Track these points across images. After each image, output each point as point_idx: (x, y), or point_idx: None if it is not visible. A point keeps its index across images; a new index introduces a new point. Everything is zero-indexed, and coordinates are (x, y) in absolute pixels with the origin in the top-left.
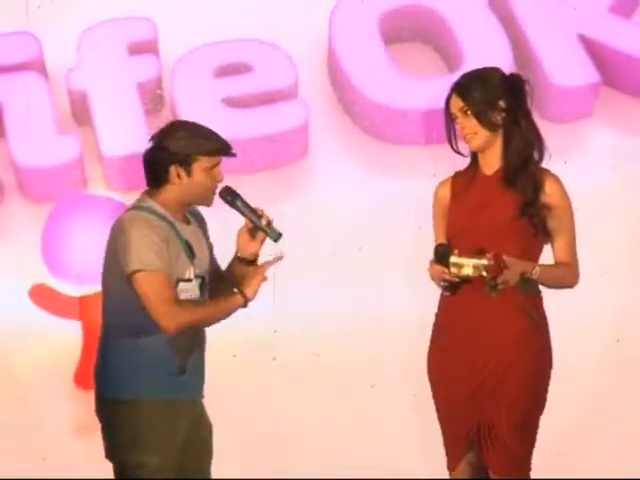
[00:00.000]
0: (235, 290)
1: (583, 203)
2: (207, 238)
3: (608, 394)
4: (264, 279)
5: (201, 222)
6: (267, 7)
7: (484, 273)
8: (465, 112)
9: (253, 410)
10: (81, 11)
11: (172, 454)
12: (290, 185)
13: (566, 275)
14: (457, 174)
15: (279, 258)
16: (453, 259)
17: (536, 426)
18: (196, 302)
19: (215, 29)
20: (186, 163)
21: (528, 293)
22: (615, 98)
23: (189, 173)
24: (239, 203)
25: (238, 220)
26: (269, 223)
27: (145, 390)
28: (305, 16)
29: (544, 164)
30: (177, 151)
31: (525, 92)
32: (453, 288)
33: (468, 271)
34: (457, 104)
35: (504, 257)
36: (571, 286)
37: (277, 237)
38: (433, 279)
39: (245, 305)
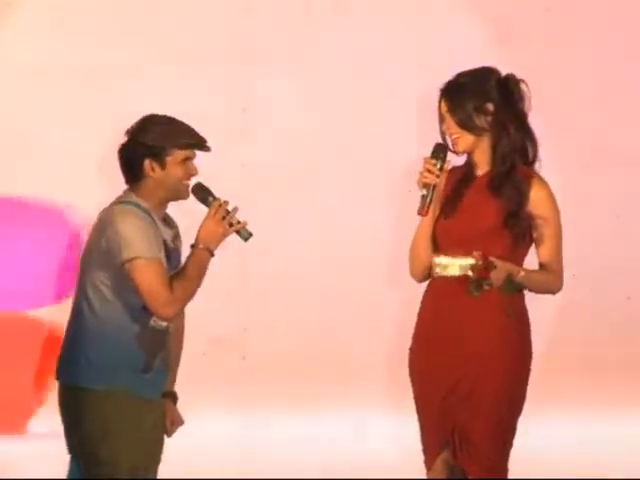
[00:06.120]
0: (198, 246)
1: None
2: (179, 250)
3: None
4: (221, 218)
5: (179, 237)
6: None
7: (470, 272)
8: (451, 115)
9: (222, 409)
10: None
11: (141, 450)
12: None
13: (549, 281)
14: (452, 169)
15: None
16: (437, 260)
17: (512, 430)
18: (176, 277)
19: None
20: (160, 156)
21: (511, 295)
22: None
23: (163, 166)
24: (211, 199)
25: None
26: (239, 221)
27: (110, 381)
28: None
29: None
30: (150, 144)
31: (520, 93)
32: (427, 202)
33: (454, 271)
34: (444, 106)
35: (491, 258)
36: (554, 292)
37: (247, 236)
38: (418, 182)
39: (212, 254)
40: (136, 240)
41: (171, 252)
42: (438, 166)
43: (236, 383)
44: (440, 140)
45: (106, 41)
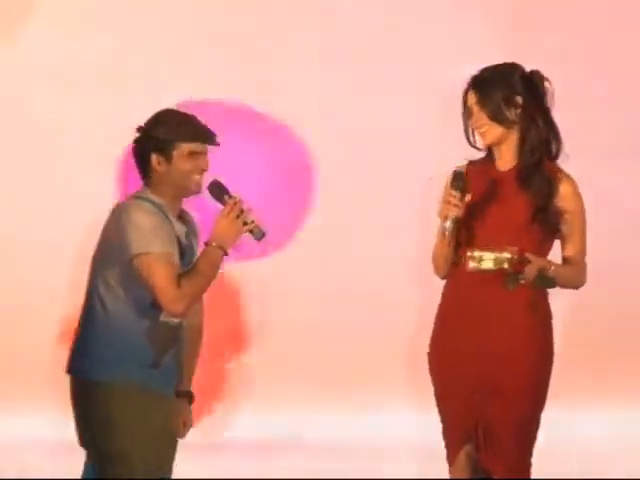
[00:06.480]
0: (211, 244)
1: None
2: (194, 247)
3: None
4: (235, 217)
5: (195, 234)
6: None
7: (505, 266)
8: (480, 107)
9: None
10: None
11: (152, 445)
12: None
13: (576, 275)
14: (471, 164)
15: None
16: (471, 253)
17: (537, 425)
18: (186, 274)
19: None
20: (165, 150)
21: (541, 289)
22: None
23: (169, 160)
24: (226, 197)
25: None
26: (253, 220)
27: (119, 375)
28: None
29: None
30: (156, 138)
31: (544, 89)
32: (451, 233)
33: (489, 264)
34: (473, 98)
35: (526, 253)
36: (578, 287)
37: (261, 236)
38: (439, 213)
39: (226, 253)
40: (146, 235)
41: (185, 249)
42: (459, 197)
43: (252, 382)
44: (461, 134)
45: (121, 39)
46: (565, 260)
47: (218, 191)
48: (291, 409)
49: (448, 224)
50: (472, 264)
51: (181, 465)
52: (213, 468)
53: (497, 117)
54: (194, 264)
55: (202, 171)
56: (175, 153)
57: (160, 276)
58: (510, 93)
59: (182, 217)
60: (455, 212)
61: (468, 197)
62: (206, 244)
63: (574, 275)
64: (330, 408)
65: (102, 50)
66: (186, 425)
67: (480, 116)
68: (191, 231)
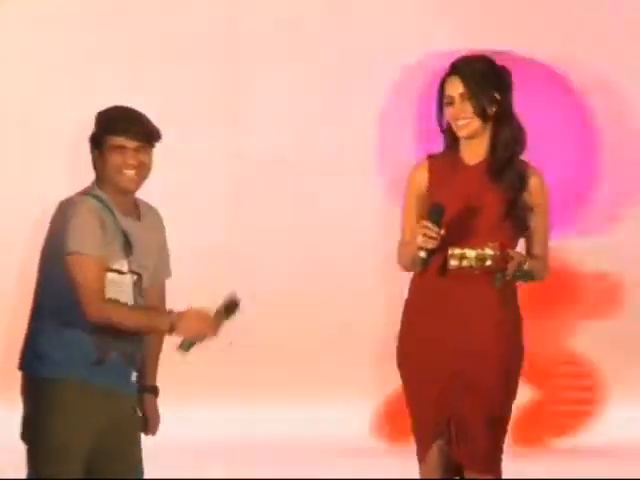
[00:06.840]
0: (171, 315)
1: None
2: (160, 242)
3: None
4: (208, 330)
5: (155, 227)
6: None
7: (489, 263)
8: (466, 98)
9: (212, 398)
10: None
11: (91, 441)
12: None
13: (542, 269)
14: (433, 158)
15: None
16: (452, 251)
17: (508, 420)
18: (127, 304)
19: None
20: (99, 143)
21: (510, 284)
22: None
23: (102, 154)
24: (225, 319)
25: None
26: (196, 343)
27: (66, 371)
28: None
29: None
30: (94, 132)
31: (512, 85)
32: (427, 262)
33: (470, 262)
34: (458, 88)
35: (508, 249)
36: (542, 280)
37: (184, 350)
38: (417, 246)
39: (170, 333)
40: (84, 234)
41: (135, 244)
42: (436, 230)
43: (223, 372)
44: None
45: (93, 32)
46: (533, 253)
47: (231, 309)
48: (259, 397)
49: (422, 254)
50: (453, 262)
51: None
52: None
53: (482, 112)
54: (147, 305)
55: (133, 167)
56: (105, 147)
57: (86, 278)
58: (490, 88)
59: (138, 211)
60: (431, 245)
61: (443, 231)
62: (169, 312)
63: (542, 269)
64: (303, 397)
65: (78, 45)
66: (152, 420)
67: (464, 108)
68: (149, 225)
